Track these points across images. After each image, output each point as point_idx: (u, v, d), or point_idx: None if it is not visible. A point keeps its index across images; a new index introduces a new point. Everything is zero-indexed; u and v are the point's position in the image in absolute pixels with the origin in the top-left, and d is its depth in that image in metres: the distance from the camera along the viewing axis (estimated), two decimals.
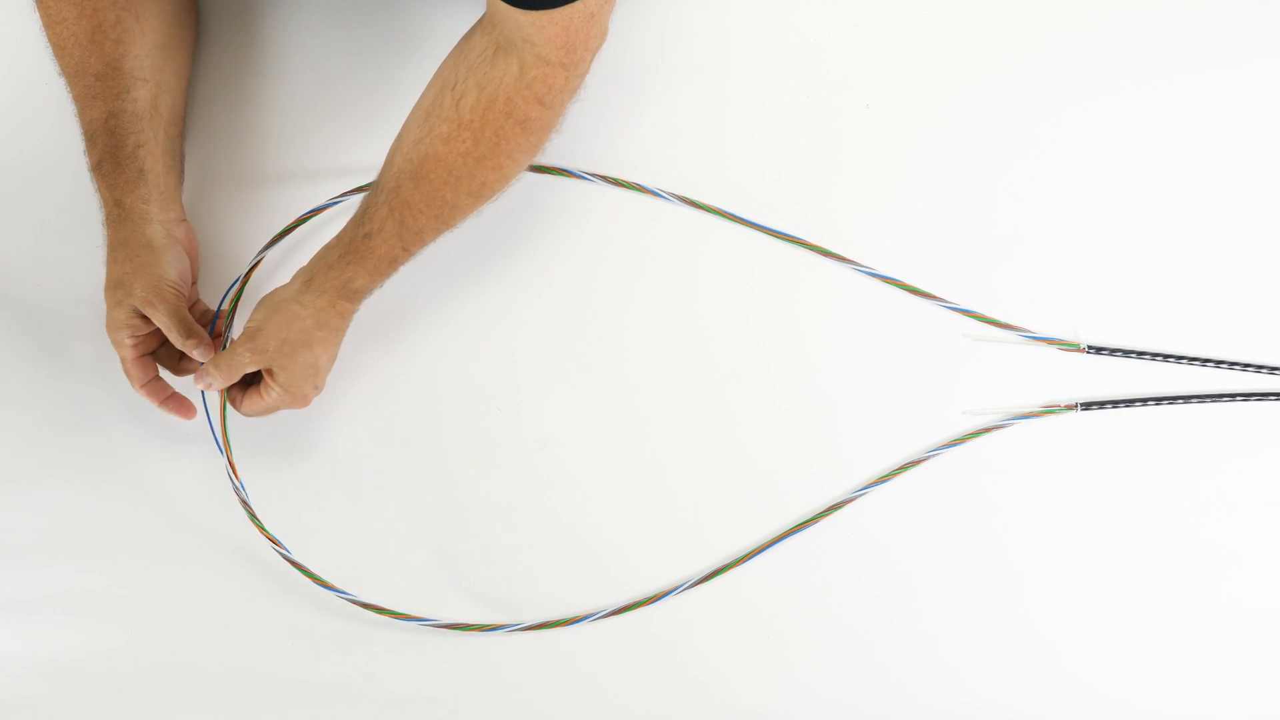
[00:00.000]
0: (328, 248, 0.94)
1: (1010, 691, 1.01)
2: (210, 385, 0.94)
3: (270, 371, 0.93)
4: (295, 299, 0.93)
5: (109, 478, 1.05)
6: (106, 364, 1.02)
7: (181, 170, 0.99)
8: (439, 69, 0.92)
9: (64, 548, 1.05)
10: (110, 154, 0.94)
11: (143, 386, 0.96)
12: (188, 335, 0.93)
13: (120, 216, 0.94)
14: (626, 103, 1.04)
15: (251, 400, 0.95)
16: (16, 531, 1.05)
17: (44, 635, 1.04)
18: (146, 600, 1.04)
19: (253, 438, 1.02)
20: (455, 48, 0.92)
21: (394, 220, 0.91)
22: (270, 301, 0.94)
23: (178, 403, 0.97)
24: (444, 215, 0.92)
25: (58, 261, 1.05)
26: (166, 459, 1.04)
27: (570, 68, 0.88)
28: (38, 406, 1.05)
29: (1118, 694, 1.01)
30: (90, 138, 0.95)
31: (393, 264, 0.93)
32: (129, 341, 0.94)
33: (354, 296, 0.94)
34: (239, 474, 0.98)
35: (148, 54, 0.96)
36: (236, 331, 1.00)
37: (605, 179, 1.03)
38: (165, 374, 0.98)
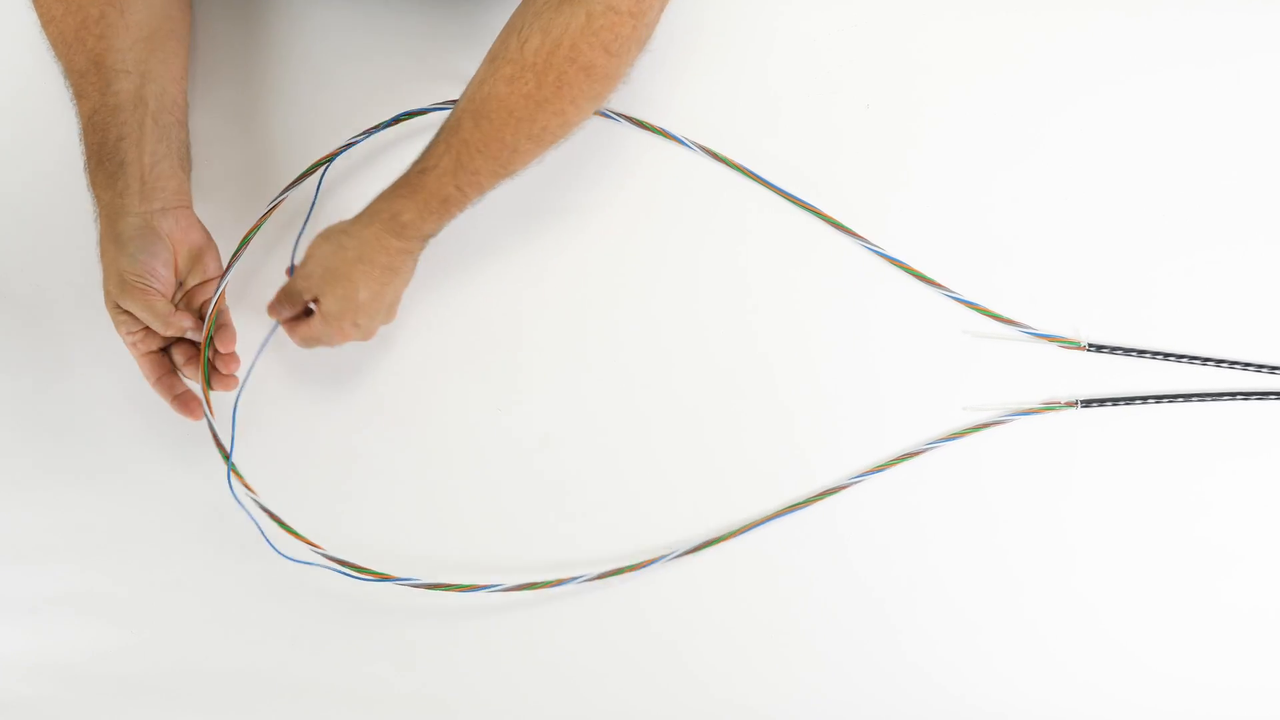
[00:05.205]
0: (389, 187, 0.94)
1: (1004, 687, 1.02)
2: (280, 315, 0.96)
3: (317, 300, 0.94)
4: (345, 230, 0.93)
5: (109, 477, 1.05)
6: (106, 364, 1.02)
7: (185, 157, 0.98)
8: (510, 18, 0.92)
9: (64, 548, 1.05)
10: (94, 150, 0.93)
11: (156, 383, 0.96)
12: (167, 325, 0.93)
13: (100, 213, 0.94)
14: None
15: (298, 327, 0.96)
16: (17, 531, 1.05)
17: (45, 635, 1.04)
18: (148, 600, 1.04)
19: (248, 411, 1.01)
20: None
21: (450, 157, 0.91)
22: (325, 231, 0.94)
23: (183, 402, 0.97)
24: (502, 158, 0.91)
25: (58, 261, 1.05)
26: (167, 458, 1.04)
27: (639, 16, 0.87)
28: (38, 406, 1.05)
29: (1114, 692, 1.01)
30: (81, 135, 0.94)
31: (445, 204, 0.92)
32: (129, 339, 0.94)
33: (401, 232, 0.92)
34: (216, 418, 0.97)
35: (131, 47, 0.95)
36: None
37: (629, 119, 1.02)
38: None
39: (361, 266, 0.93)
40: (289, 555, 0.98)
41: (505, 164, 0.92)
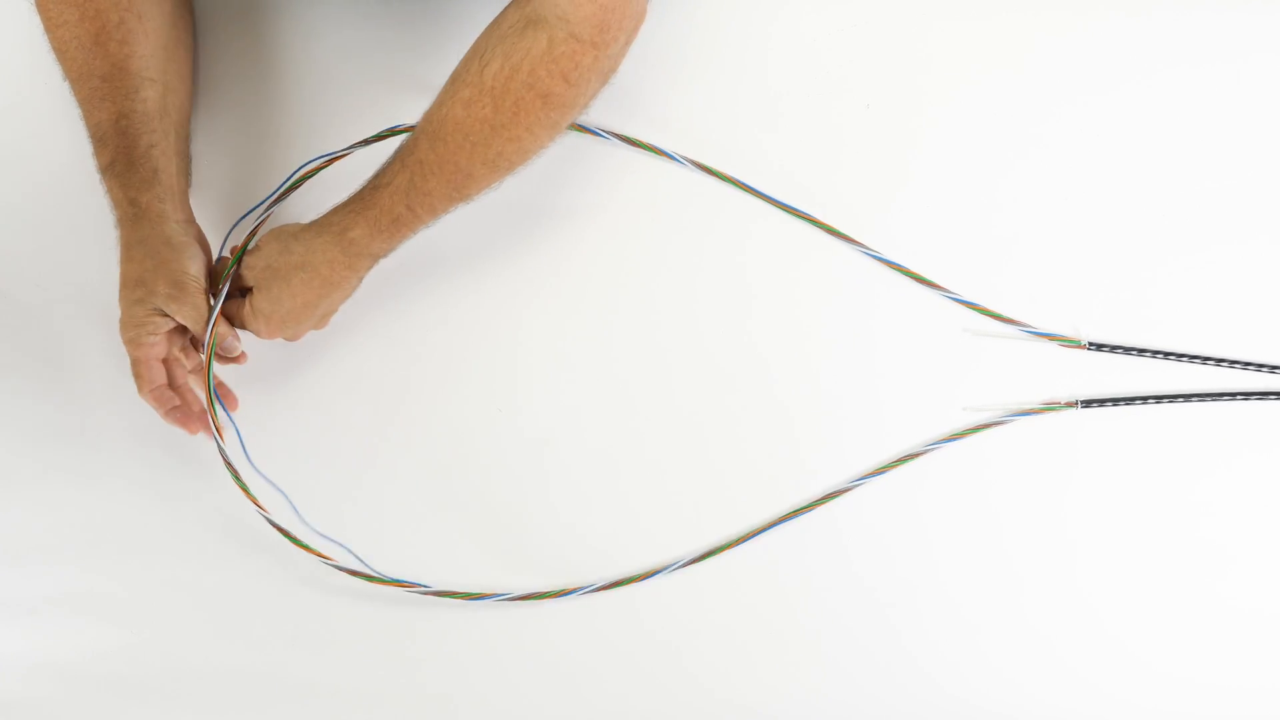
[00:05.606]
0: (345, 199, 0.94)
1: (1005, 687, 1.02)
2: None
3: (251, 290, 0.95)
4: (295, 234, 0.94)
5: (109, 478, 1.05)
6: (107, 364, 1.02)
7: (189, 173, 0.99)
8: (476, 39, 0.91)
9: (65, 548, 1.05)
10: (123, 154, 0.93)
11: (151, 392, 0.95)
12: (206, 327, 0.93)
13: (136, 216, 0.93)
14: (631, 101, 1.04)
15: (227, 302, 0.96)
16: (17, 531, 1.05)
17: (46, 635, 1.05)
18: (148, 600, 1.04)
19: (250, 411, 1.01)
20: (491, 22, 0.91)
21: (404, 176, 0.90)
22: (279, 229, 0.95)
23: (183, 414, 0.96)
24: (456, 181, 0.91)
25: (58, 261, 1.05)
26: (167, 458, 1.04)
27: (601, 47, 0.87)
28: (38, 406, 1.05)
29: (1114, 692, 1.01)
30: (100, 139, 0.94)
31: (395, 223, 0.92)
32: (148, 341, 0.93)
33: (348, 248, 0.92)
34: (222, 429, 0.97)
35: (152, 54, 0.95)
36: None
37: (620, 137, 1.02)
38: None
39: (302, 274, 0.93)
40: (316, 529, 0.98)
41: (459, 187, 0.91)
